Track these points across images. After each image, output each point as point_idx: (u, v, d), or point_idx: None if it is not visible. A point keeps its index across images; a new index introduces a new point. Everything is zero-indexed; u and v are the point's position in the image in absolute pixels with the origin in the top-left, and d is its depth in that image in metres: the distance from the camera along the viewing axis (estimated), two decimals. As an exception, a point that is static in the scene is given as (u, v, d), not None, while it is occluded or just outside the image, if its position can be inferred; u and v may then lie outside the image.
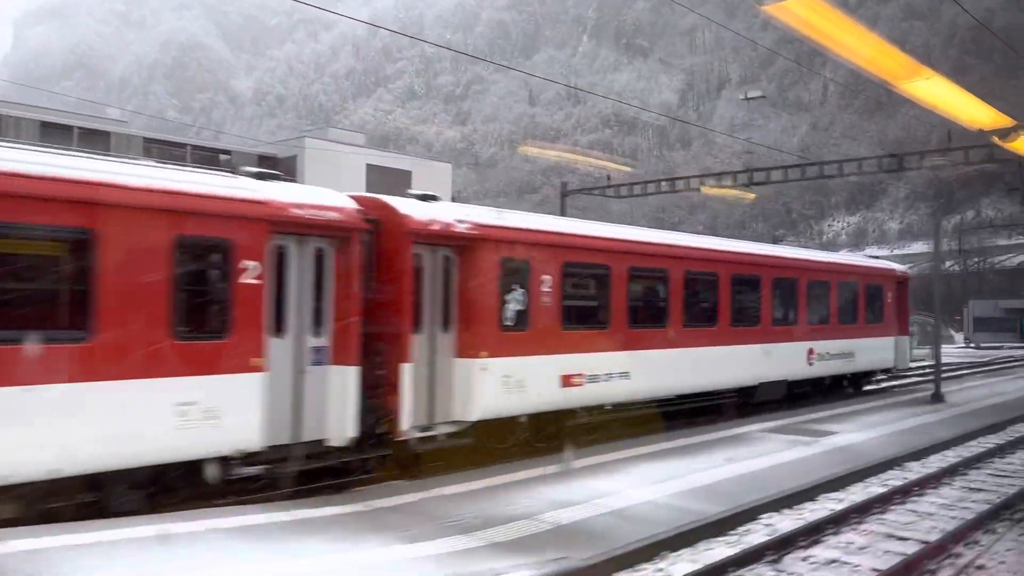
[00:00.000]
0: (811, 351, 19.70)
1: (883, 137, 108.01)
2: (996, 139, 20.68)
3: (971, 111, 15.04)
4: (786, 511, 10.36)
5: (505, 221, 12.97)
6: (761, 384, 18.08)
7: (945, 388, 23.01)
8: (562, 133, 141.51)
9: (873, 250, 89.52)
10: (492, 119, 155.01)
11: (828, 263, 22.32)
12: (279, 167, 38.25)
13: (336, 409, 10.16)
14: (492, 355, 11.92)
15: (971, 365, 36.88)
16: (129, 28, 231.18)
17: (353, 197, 11.32)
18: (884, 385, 25.17)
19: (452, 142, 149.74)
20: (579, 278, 14.52)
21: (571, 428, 13.70)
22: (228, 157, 36.57)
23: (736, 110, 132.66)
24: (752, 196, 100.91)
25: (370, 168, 42.67)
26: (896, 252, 77.44)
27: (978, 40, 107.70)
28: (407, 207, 11.60)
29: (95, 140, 33.97)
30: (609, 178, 34.59)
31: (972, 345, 62.42)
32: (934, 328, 23.13)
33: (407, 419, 10.81)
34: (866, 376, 23.48)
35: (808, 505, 10.79)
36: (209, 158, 37.55)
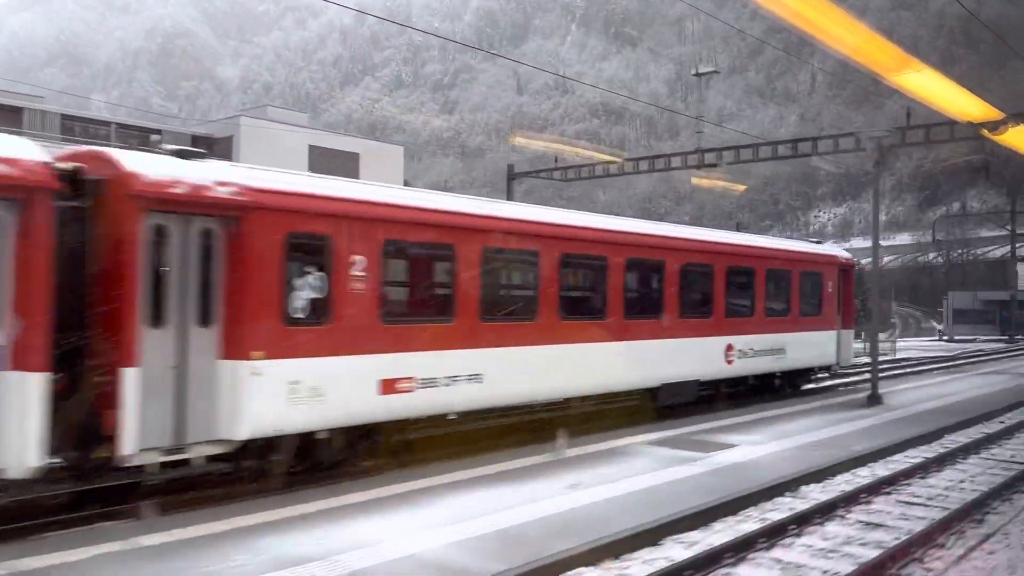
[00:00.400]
0: (730, 347, 17.25)
1: (869, 127, 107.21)
2: (986, 132, 20.42)
3: (961, 104, 15.21)
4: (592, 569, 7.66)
5: (294, 185, 10.22)
6: (664, 386, 15.47)
7: (892, 387, 21.63)
8: (550, 122, 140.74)
9: (859, 241, 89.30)
10: (480, 108, 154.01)
11: (752, 247, 19.46)
12: (215, 148, 37.03)
13: (13, 429, 7.66)
14: (270, 356, 9.45)
15: (934, 360, 34.54)
16: (113, 14, 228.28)
17: (67, 154, 9.18)
18: (827, 384, 22.91)
19: (439, 131, 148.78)
20: (409, 259, 11.97)
21: (398, 444, 11.42)
22: (158, 137, 34.70)
23: (724, 100, 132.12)
24: (742, 188, 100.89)
25: (313, 150, 41.08)
26: (882, 243, 77.79)
27: (966, 30, 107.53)
28: (135, 162, 8.99)
29: (5, 117, 32.46)
30: (556, 160, 33.60)
31: (945, 338, 61.02)
32: (871, 322, 21.27)
33: (132, 440, 8.35)
34: (804, 374, 21.01)
35: (641, 554, 8.07)
36: (140, 138, 35.53)
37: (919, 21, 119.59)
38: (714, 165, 29.04)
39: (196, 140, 38.17)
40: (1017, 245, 77.42)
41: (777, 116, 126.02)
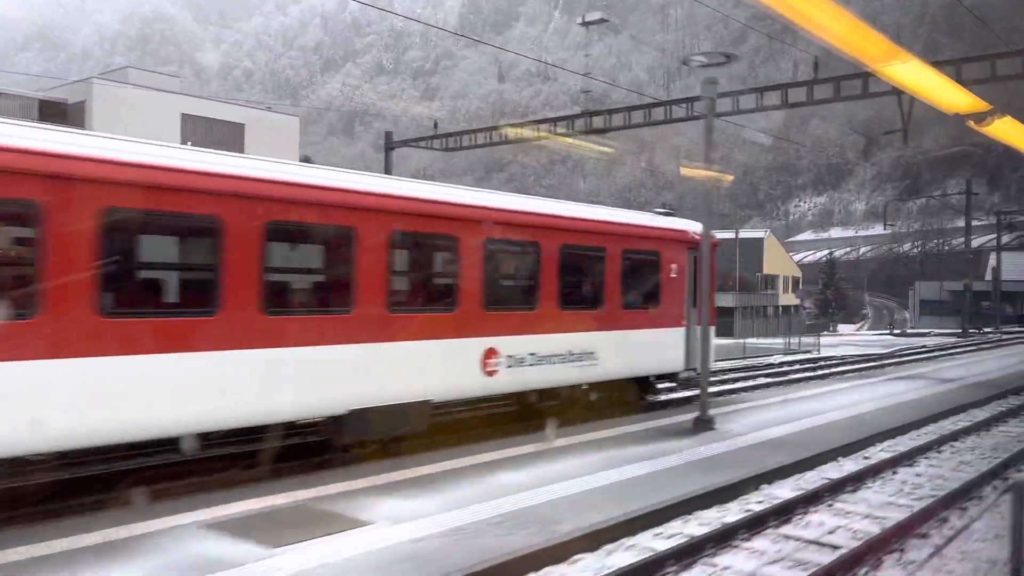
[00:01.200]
0: (491, 352, 11.87)
1: (852, 117, 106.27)
2: (972, 123, 19.03)
3: (948, 95, 14.15)
4: None
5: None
6: (354, 412, 9.81)
7: (757, 401, 16.57)
8: (530, 110, 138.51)
9: (837, 231, 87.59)
10: (461, 95, 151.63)
11: (534, 215, 13.01)
12: (68, 115, 33.59)
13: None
14: None
15: (858, 360, 28.14)
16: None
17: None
18: (677, 396, 15.69)
19: (419, 118, 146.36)
20: None
21: None
22: None
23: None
24: (730, 177, 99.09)
25: (186, 119, 35.44)
26: (860, 233, 75.62)
27: (949, 19, 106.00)
28: None
29: None
30: (436, 125, 31.30)
31: (896, 331, 56.83)
32: (703, 324, 14.23)
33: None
34: (633, 385, 15.05)
35: None
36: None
37: (903, 10, 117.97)
38: (603, 130, 26.55)
39: (45, 105, 34.16)
40: (994, 236, 76.03)
41: (759, 105, 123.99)
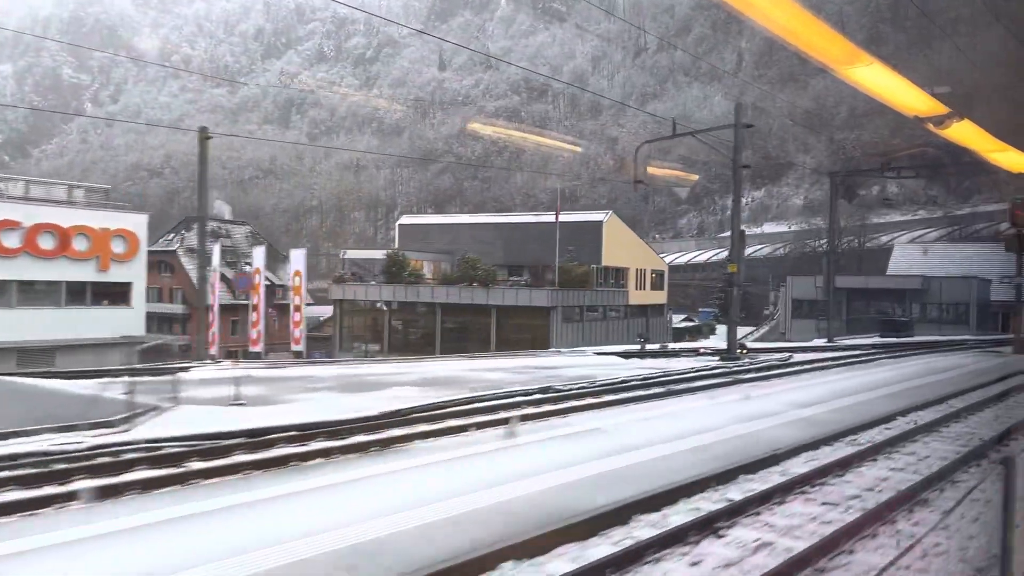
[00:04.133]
0: None
1: (792, 108, 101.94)
2: (931, 126, 19.17)
3: (908, 99, 14.52)
4: None
5: None
6: None
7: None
8: (470, 99, 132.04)
9: (771, 225, 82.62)
10: (400, 83, 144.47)
11: None
12: None
13: None
14: None
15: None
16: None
17: None
18: None
19: (356, 107, 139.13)
20: None
21: None
22: None
23: (648, 78, 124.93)
24: (695, 177, 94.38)
25: None
26: (793, 228, 70.35)
27: (894, 8, 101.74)
28: None
29: None
30: None
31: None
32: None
33: None
34: None
35: None
36: None
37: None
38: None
39: None
40: (926, 231, 71.20)
41: (701, 96, 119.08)
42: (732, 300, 26.54)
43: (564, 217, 52.99)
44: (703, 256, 76.89)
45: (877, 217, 72.32)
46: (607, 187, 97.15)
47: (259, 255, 47.41)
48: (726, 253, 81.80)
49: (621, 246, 55.11)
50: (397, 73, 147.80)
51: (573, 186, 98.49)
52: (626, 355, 26.53)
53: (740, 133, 24.79)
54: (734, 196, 26.89)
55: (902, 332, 42.95)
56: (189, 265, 60.74)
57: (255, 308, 44.84)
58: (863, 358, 26.47)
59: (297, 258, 46.93)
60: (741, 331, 55.78)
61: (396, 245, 59.25)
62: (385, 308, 51.46)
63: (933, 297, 54.66)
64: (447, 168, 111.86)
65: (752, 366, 22.45)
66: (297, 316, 44.21)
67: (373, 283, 51.04)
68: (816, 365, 23.18)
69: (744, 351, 27.14)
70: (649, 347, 29.79)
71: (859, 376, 20.16)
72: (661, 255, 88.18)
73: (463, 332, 48.03)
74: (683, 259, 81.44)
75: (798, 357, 26.06)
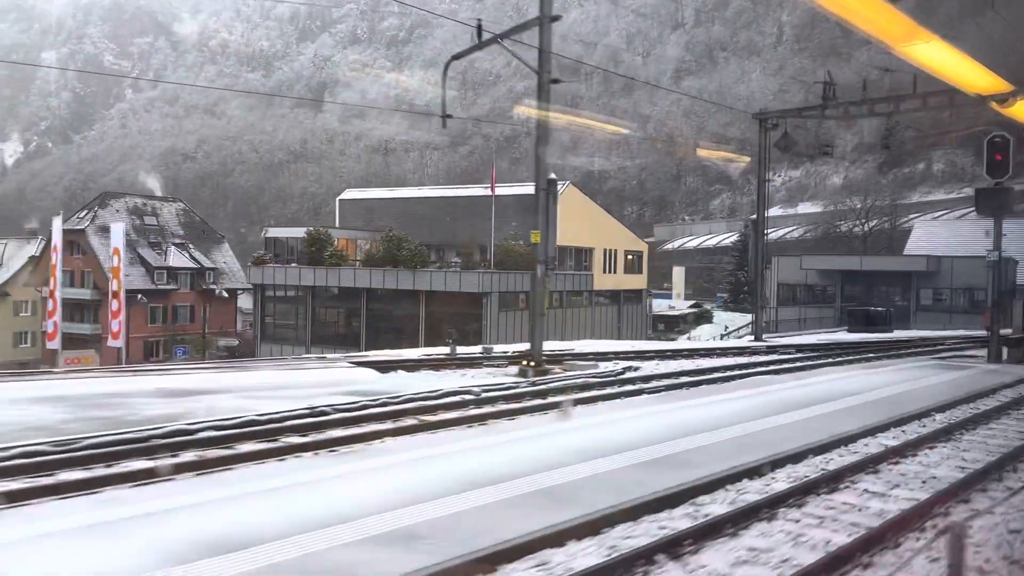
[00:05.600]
0: None
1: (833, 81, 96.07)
2: (994, 104, 18.67)
3: (970, 76, 13.80)
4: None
5: None
6: None
7: None
8: (501, 78, 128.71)
9: (807, 206, 78.13)
10: (432, 64, 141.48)
11: None
12: None
13: None
14: None
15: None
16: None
17: None
18: None
19: (387, 88, 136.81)
20: None
21: None
22: None
23: (684, 53, 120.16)
24: (747, 160, 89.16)
25: None
26: (829, 208, 65.45)
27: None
28: None
29: None
30: None
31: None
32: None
33: None
34: None
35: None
36: None
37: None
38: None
39: None
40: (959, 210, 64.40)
41: (739, 71, 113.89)
42: (537, 292, 16.48)
43: (511, 189, 46.97)
44: (733, 238, 72.77)
45: (920, 195, 67.30)
46: (636, 167, 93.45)
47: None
48: (773, 234, 77.84)
49: (582, 222, 47.20)
50: (429, 54, 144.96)
51: (604, 166, 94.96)
52: (413, 365, 16.54)
53: (547, 31, 14.85)
54: (538, 130, 14.20)
55: (876, 327, 34.10)
56: (99, 246, 55.61)
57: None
58: (744, 372, 16.91)
59: (116, 233, 39.95)
60: (743, 320, 48.35)
61: (337, 223, 53.01)
62: (306, 295, 45.18)
63: (943, 281, 45.99)
64: (475, 150, 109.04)
65: (530, 388, 13.38)
66: (115, 305, 38.15)
67: (294, 266, 44.72)
68: (642, 388, 14.02)
69: (562, 362, 17.79)
70: (467, 351, 20.36)
71: (680, 412, 11.32)
72: (689, 237, 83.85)
73: (391, 322, 42.28)
74: (711, 241, 77.33)
75: (663, 367, 17.70)
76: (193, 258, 60.93)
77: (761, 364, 18.96)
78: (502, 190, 46.13)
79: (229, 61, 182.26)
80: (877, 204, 61.39)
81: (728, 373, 16.78)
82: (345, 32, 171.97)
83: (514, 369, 16.46)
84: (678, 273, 67.08)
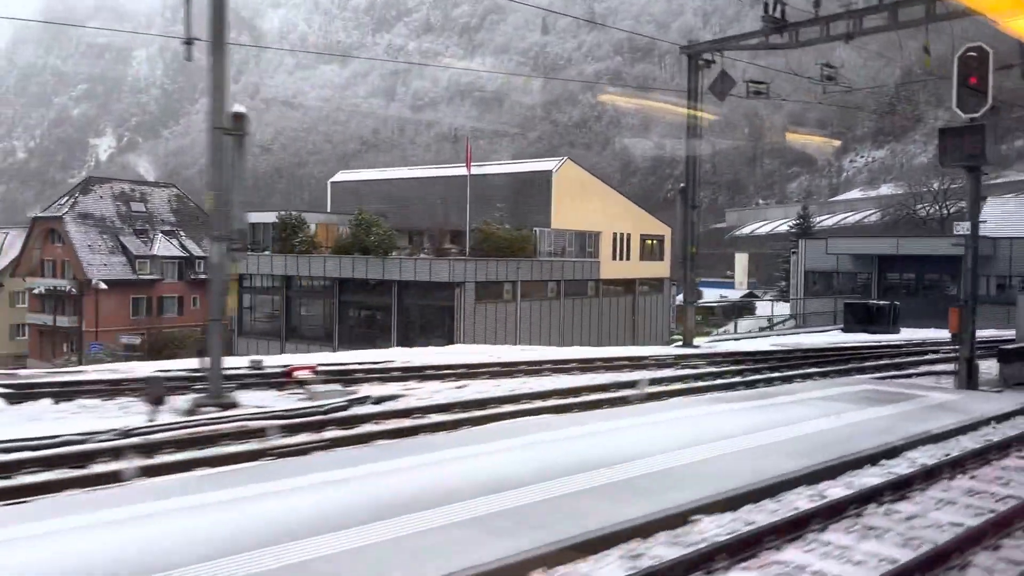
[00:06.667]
0: None
1: (921, 55, 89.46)
2: None
3: None
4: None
5: None
6: None
7: None
8: (571, 62, 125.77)
9: (889, 188, 72.93)
10: (503, 50, 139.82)
11: None
12: None
13: None
14: None
15: None
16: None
17: None
18: None
19: (457, 75, 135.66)
20: None
21: None
22: None
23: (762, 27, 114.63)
24: (837, 143, 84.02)
25: None
26: (913, 190, 60.03)
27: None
28: None
29: None
30: None
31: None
32: None
33: None
34: None
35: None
36: None
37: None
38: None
39: None
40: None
41: (823, 46, 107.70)
42: (216, 283, 11.70)
43: (501, 168, 42.11)
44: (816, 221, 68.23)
45: (1016, 173, 61.45)
46: (709, 148, 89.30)
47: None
48: (835, 219, 72.61)
49: (585, 203, 41.69)
50: (501, 40, 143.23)
51: (676, 149, 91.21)
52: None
53: None
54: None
55: (876, 325, 28.51)
56: (78, 234, 53.19)
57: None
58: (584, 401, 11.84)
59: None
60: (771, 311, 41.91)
61: (329, 208, 48.84)
62: (281, 286, 41.25)
63: (1001, 267, 38.09)
64: (543, 136, 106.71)
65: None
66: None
67: (266, 254, 40.91)
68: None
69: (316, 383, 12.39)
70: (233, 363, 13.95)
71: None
72: (763, 222, 79.24)
73: (364, 316, 38.46)
74: (784, 227, 72.75)
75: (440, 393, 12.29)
76: (183, 246, 57.54)
77: (615, 388, 13.31)
78: (492, 168, 41.92)
79: (308, 55, 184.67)
80: (957, 185, 55.68)
81: (520, 406, 11.31)
82: (419, 21, 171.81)
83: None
84: (740, 260, 63.11)
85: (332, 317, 38.49)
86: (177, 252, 56.98)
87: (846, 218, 66.48)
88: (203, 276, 52.08)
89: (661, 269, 47.71)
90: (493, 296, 35.37)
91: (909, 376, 16.38)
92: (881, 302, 30.59)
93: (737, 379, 15.30)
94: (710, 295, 57.28)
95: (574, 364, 16.18)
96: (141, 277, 54.20)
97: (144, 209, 58.45)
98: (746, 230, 78.22)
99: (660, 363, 17.49)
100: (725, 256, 67.51)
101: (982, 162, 13.37)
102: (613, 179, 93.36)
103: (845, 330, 29.43)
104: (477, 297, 34.50)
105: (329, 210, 47.30)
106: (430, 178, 44.74)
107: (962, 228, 14.04)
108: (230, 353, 40.30)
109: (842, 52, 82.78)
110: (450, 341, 30.77)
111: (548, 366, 15.77)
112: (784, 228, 71.72)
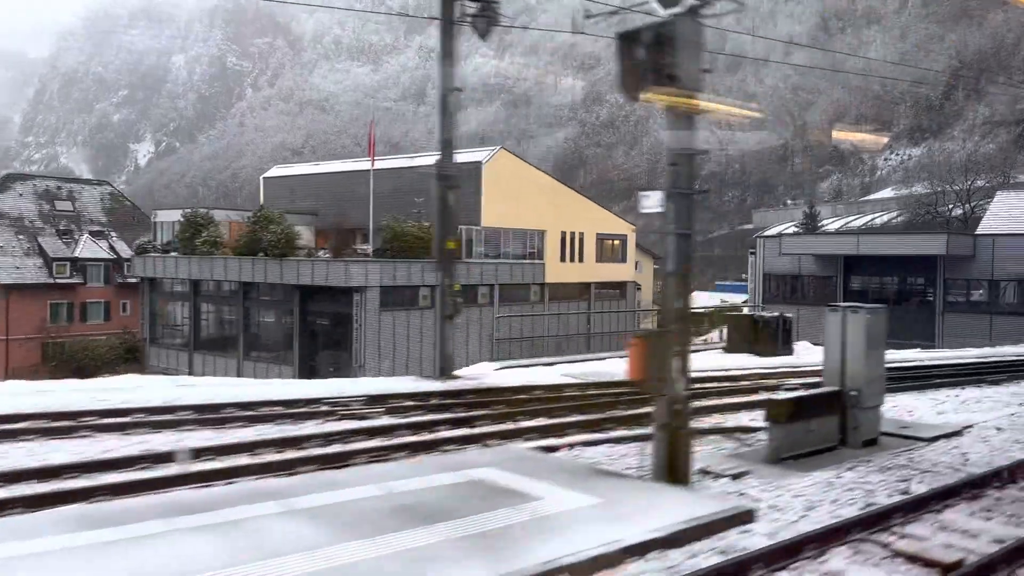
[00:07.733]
0: None
1: (963, 48, 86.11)
2: None
3: None
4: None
5: None
6: None
7: None
8: (601, 60, 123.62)
9: (922, 187, 69.52)
10: (532, 51, 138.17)
11: None
12: None
13: None
14: None
15: None
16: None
17: None
18: None
19: (486, 77, 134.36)
20: None
21: None
22: None
23: (795, 26, 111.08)
24: (884, 140, 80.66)
25: None
26: (935, 189, 56.51)
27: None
28: None
29: None
30: None
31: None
32: None
33: None
34: None
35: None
36: None
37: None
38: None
39: None
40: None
41: (856, 42, 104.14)
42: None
43: (427, 160, 38.84)
44: (837, 222, 65.30)
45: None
46: (738, 148, 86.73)
47: None
48: (861, 220, 69.43)
49: (525, 199, 37.14)
50: (530, 39, 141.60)
51: (706, 140, 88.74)
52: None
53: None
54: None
55: (762, 346, 21.89)
56: None
57: None
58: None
59: None
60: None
61: (262, 204, 44.54)
62: (189, 290, 37.76)
63: (982, 269, 32.08)
64: (568, 138, 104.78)
65: None
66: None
67: (172, 255, 37.99)
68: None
69: None
70: None
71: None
72: (790, 223, 76.21)
73: (266, 326, 34.96)
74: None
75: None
76: (112, 248, 53.43)
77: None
78: (420, 160, 36.88)
79: (341, 58, 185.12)
80: (980, 184, 52.21)
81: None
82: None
83: None
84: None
85: (238, 326, 35.16)
86: (104, 254, 52.77)
87: (875, 218, 63.37)
88: (132, 280, 47.50)
89: (623, 272, 43.73)
90: (405, 303, 31.15)
91: (611, 442, 10.32)
92: (768, 315, 23.63)
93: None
94: (726, 297, 55.00)
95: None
96: (58, 281, 49.86)
97: (72, 208, 54.61)
98: (774, 231, 75.38)
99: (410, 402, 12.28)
100: (742, 257, 65.08)
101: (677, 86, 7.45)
102: (640, 179, 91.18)
103: (728, 350, 22.98)
104: (382, 304, 30.38)
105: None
106: (359, 172, 39.61)
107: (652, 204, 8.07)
108: (143, 365, 36.44)
109: (878, 46, 79.63)
110: (349, 355, 27.75)
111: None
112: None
